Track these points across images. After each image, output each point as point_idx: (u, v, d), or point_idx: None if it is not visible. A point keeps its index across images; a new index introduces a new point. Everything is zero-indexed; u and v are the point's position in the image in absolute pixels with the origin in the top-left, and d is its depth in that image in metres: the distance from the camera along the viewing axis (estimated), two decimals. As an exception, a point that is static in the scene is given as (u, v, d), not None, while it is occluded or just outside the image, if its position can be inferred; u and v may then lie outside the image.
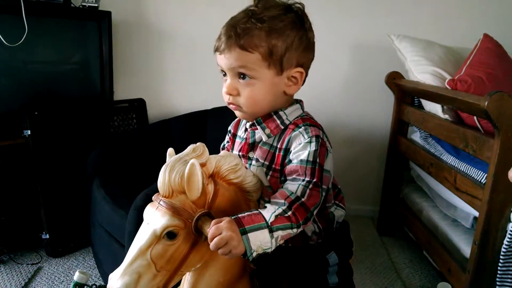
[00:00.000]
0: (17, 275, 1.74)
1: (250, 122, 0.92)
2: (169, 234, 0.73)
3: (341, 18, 2.24)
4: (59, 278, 1.75)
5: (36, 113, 1.81)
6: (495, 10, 2.19)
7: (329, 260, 0.94)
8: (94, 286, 1.15)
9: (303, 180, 0.80)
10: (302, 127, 0.85)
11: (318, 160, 0.81)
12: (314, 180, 0.80)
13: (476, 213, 1.35)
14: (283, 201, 0.77)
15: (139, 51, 2.28)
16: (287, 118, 0.89)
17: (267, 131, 0.89)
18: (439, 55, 1.87)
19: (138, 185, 1.42)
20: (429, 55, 1.86)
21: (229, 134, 1.03)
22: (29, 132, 1.79)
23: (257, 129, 0.90)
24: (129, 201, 1.35)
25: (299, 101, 0.94)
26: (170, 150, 0.82)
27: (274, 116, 0.89)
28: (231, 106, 0.90)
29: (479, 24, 2.11)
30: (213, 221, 0.72)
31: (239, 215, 0.75)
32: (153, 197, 0.78)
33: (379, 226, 2.28)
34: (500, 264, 1.26)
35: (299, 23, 0.87)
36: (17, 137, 1.81)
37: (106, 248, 1.62)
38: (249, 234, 0.73)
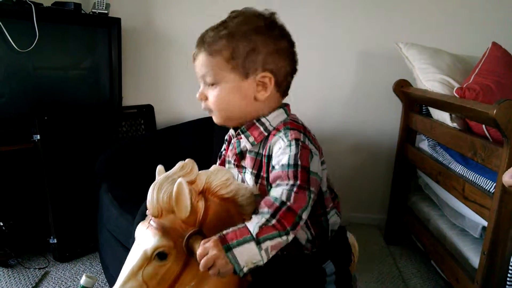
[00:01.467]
0: (24, 279, 1.75)
1: (235, 132, 0.93)
2: (160, 255, 0.72)
3: (348, 26, 2.24)
4: (66, 282, 1.76)
5: (45, 118, 1.83)
6: (503, 18, 2.19)
7: (326, 269, 0.92)
8: (101, 291, 1.15)
9: (287, 184, 0.77)
10: (282, 131, 0.85)
11: (299, 163, 0.79)
12: (298, 182, 0.77)
13: (485, 223, 1.34)
14: (267, 209, 0.75)
15: (148, 58, 2.30)
16: (270, 124, 0.89)
17: (251, 139, 0.89)
18: (447, 63, 1.86)
19: (145, 190, 1.41)
20: (437, 63, 1.85)
21: (226, 143, 1.03)
22: (38, 136, 1.81)
23: (241, 138, 0.91)
24: (136, 206, 1.35)
25: (283, 106, 0.92)
26: (160, 168, 0.81)
27: (257, 124, 0.89)
28: (207, 112, 0.93)
29: (487, 32, 2.10)
30: (202, 242, 0.71)
31: (224, 232, 0.73)
32: (147, 212, 0.77)
33: (386, 234, 2.27)
34: (509, 275, 1.25)
35: (265, 29, 0.87)
36: (27, 142, 1.83)
37: (112, 253, 1.63)
38: (234, 250, 0.70)
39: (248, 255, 0.71)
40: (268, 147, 0.87)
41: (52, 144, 1.86)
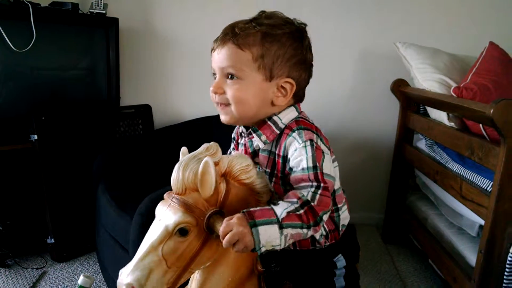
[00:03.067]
0: (22, 280, 1.75)
1: (246, 132, 0.93)
2: (181, 231, 0.73)
3: (347, 26, 2.25)
4: (63, 282, 1.75)
5: (43, 118, 1.83)
6: (501, 18, 2.19)
7: (336, 263, 0.94)
8: (98, 290, 1.15)
9: (311, 186, 0.79)
10: (296, 131, 0.85)
11: (317, 164, 0.81)
12: (322, 184, 0.79)
13: (482, 221, 1.34)
14: (296, 200, 0.77)
15: (145, 58, 2.29)
16: (281, 122, 0.89)
17: (263, 138, 0.89)
18: (445, 62, 1.87)
19: (143, 190, 1.42)
20: (435, 63, 1.86)
21: (234, 142, 1.03)
22: (36, 137, 1.80)
23: (253, 137, 0.91)
24: (134, 206, 1.35)
25: (294, 103, 0.93)
26: (184, 149, 0.83)
27: (269, 122, 0.89)
28: (218, 107, 0.90)
29: (484, 32, 2.11)
30: (226, 218, 0.73)
31: (251, 209, 0.75)
32: (165, 195, 0.79)
33: (384, 233, 2.27)
34: (506, 273, 1.25)
35: (297, 37, 0.88)
36: (24, 142, 1.82)
37: (110, 252, 1.63)
38: (259, 228, 0.72)
39: (270, 237, 0.73)
40: (282, 147, 0.87)
41: (50, 144, 1.85)
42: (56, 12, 1.89)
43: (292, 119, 0.89)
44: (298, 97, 0.92)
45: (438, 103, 1.70)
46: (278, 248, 0.75)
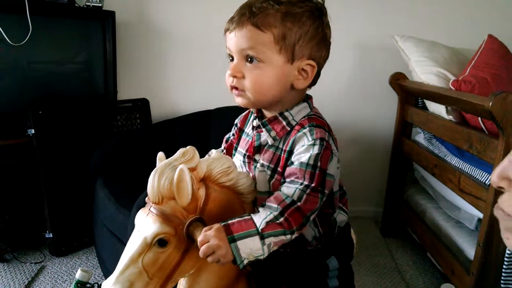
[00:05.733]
0: (20, 274, 1.75)
1: (256, 124, 0.89)
2: (160, 242, 0.72)
3: (345, 18, 2.23)
4: (62, 277, 1.76)
5: (40, 112, 1.82)
6: (499, 11, 2.19)
7: (329, 265, 0.91)
8: (96, 284, 1.15)
9: (301, 184, 0.76)
10: (307, 127, 0.81)
11: (319, 164, 0.77)
12: (313, 185, 0.76)
13: (480, 215, 1.34)
14: (276, 206, 0.74)
15: (142, 51, 2.28)
16: (293, 119, 0.84)
17: (273, 133, 0.85)
18: (443, 56, 1.86)
19: (141, 184, 1.41)
20: (433, 56, 1.85)
21: (235, 128, 0.99)
22: (33, 131, 1.80)
23: (262, 131, 0.87)
24: (132, 200, 1.35)
25: (307, 99, 0.88)
26: (160, 154, 0.80)
27: (280, 118, 0.85)
28: (234, 92, 0.85)
29: (483, 25, 2.10)
30: (204, 229, 0.71)
31: (229, 222, 0.72)
32: (146, 199, 0.77)
33: (383, 227, 2.27)
34: (504, 266, 1.26)
35: (318, 14, 0.83)
36: (21, 136, 1.82)
37: (108, 247, 1.63)
38: (238, 242, 0.70)
39: (251, 249, 0.71)
40: (290, 142, 0.82)
41: (47, 139, 1.85)
42: (52, 5, 1.88)
43: (304, 116, 0.85)
44: (315, 79, 0.88)
45: (437, 96, 1.70)
46: (262, 257, 0.73)
